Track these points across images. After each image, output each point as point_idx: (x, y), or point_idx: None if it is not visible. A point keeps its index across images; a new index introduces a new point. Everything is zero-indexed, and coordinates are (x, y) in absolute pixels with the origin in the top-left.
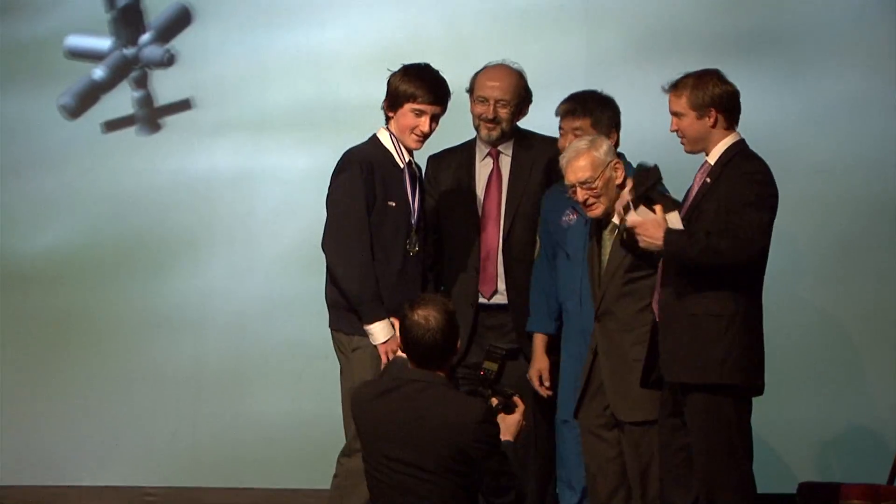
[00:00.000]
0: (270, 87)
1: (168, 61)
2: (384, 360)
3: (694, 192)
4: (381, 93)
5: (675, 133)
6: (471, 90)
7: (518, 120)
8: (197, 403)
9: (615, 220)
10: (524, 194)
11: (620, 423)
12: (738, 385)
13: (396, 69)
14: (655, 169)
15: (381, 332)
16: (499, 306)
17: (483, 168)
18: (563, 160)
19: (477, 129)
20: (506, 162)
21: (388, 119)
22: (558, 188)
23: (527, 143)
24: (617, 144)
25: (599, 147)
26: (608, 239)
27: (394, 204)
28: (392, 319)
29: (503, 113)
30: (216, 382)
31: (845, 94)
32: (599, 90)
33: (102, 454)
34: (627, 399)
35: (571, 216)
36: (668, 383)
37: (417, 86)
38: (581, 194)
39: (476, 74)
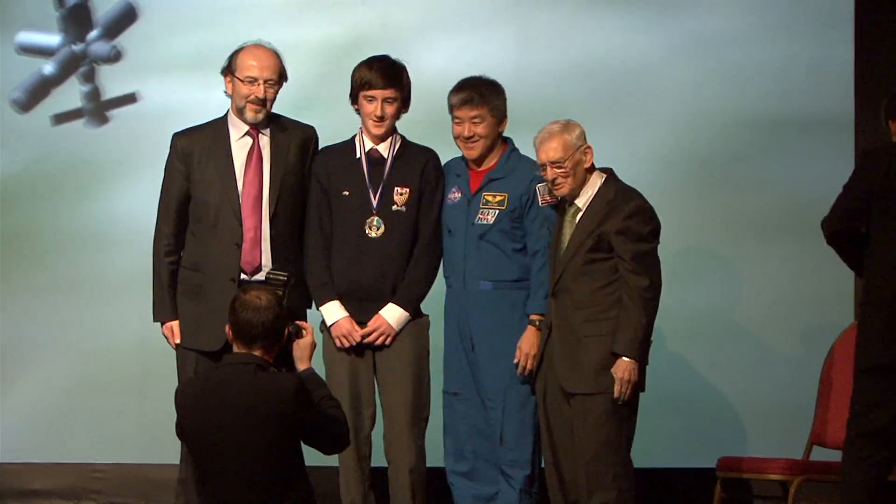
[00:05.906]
0: (214, 31)
1: (115, 57)
2: (337, 343)
3: None
4: (311, 35)
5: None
6: (230, 70)
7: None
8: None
9: (578, 203)
10: (286, 172)
11: (569, 394)
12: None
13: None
14: None
15: (326, 314)
16: (261, 282)
17: (240, 147)
18: (536, 140)
19: (242, 109)
20: (265, 141)
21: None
22: (449, 165)
23: (280, 123)
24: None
25: (572, 131)
26: (570, 220)
27: (347, 193)
28: (333, 302)
29: (270, 93)
30: None
31: (714, 30)
32: (483, 75)
33: (51, 429)
34: (576, 372)
35: (456, 194)
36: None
37: (363, 73)
38: (550, 173)
39: (236, 55)
